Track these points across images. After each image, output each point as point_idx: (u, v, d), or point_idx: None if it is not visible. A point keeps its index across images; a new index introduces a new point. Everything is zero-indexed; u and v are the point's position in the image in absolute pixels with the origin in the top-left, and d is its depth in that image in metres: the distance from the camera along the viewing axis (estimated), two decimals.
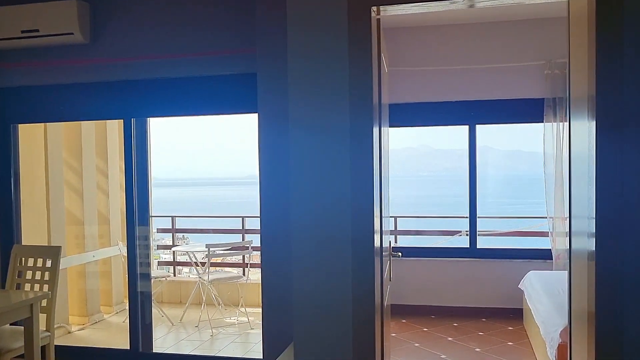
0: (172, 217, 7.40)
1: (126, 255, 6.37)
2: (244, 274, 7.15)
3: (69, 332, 5.79)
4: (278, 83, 3.96)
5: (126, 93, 4.58)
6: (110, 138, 6.56)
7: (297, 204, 2.55)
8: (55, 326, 5.63)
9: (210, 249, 5.70)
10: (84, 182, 6.13)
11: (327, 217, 2.52)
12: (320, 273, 2.60)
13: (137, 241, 4.75)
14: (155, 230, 7.56)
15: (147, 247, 4.91)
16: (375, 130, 2.67)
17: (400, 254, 3.54)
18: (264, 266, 4.07)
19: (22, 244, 4.98)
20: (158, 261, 7.73)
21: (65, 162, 5.97)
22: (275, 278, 4.03)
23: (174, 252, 7.16)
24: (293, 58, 2.63)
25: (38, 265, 4.02)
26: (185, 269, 7.86)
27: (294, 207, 2.58)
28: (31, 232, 5.26)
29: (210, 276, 5.79)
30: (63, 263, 5.68)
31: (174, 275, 7.40)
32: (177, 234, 7.72)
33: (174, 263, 7.40)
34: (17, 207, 4.96)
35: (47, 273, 3.97)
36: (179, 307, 6.84)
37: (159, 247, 7.91)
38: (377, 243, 2.63)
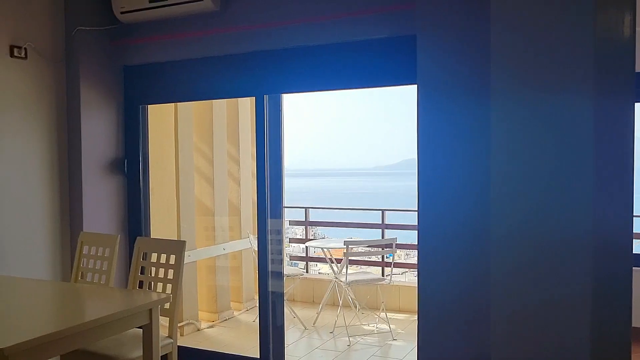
0: (305, 208, 6.83)
1: (257, 249, 5.89)
2: (382, 275, 6.41)
3: (198, 330, 5.41)
4: (444, 46, 3.14)
5: (258, 66, 3.99)
6: (242, 121, 6.10)
7: (501, 201, 1.70)
8: (184, 322, 5.29)
9: (349, 246, 4.99)
10: (215, 169, 5.71)
11: (553, 217, 1.64)
12: (538, 286, 1.74)
13: (269, 235, 4.15)
14: (287, 223, 7.04)
15: (280, 242, 4.31)
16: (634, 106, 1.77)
17: None
18: (422, 269, 3.29)
19: (151, 236, 4.61)
20: (290, 255, 7.21)
21: (196, 147, 5.58)
22: (436, 283, 3.24)
23: (306, 247, 6.59)
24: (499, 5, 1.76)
25: (162, 261, 3.54)
26: (318, 265, 7.29)
27: (497, 204, 1.72)
28: (160, 223, 4.90)
29: (348, 277, 5.09)
30: (193, 256, 5.31)
31: (306, 272, 6.83)
32: (308, 227, 7.15)
33: (307, 258, 6.82)
34: (146, 196, 4.59)
35: (170, 271, 3.48)
36: (311, 307, 6.25)
37: (291, 240, 7.40)
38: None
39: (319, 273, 7.02)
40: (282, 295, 4.37)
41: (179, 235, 5.17)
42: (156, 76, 4.42)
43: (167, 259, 3.53)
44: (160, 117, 5.00)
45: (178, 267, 3.45)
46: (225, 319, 5.78)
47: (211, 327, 5.57)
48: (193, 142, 5.41)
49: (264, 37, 3.89)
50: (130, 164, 4.54)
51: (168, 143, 5.09)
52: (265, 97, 4.03)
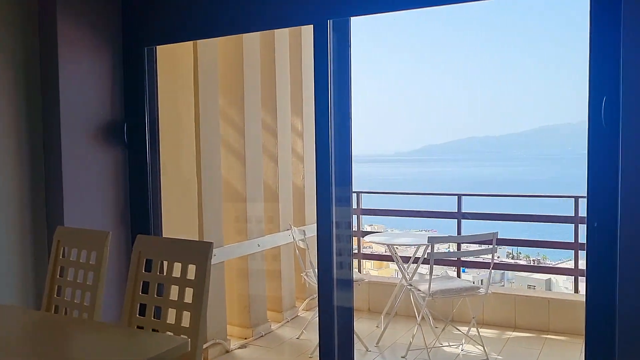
0: (357, 193, 5.47)
1: (300, 245, 4.60)
2: (458, 276, 5.06)
3: (227, 352, 4.12)
4: None
5: None
6: (280, 79, 4.76)
7: None
8: (209, 343, 4.02)
9: (435, 244, 3.63)
10: (247, 141, 4.38)
11: None
12: None
13: (335, 229, 2.83)
14: None
15: (349, 238, 2.98)
16: None
17: None
18: (622, 275, 1.97)
19: (162, 231, 3.32)
20: None
21: (223, 113, 4.26)
22: None
23: (359, 241, 5.25)
24: None
25: (175, 274, 2.24)
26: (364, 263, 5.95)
27: None
28: (175, 212, 3.60)
29: (432, 285, 3.73)
30: (220, 255, 4.02)
31: (359, 272, 5.51)
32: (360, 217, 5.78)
33: (359, 256, 5.49)
34: (156, 174, 3.30)
35: (189, 291, 2.17)
36: (369, 318, 4.93)
37: None
38: None
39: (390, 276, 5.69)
40: (350, 310, 3.07)
41: (200, 228, 3.88)
42: (168, 4, 3.10)
43: (184, 271, 2.22)
44: (174, 65, 3.67)
45: (201, 283, 2.13)
46: (260, 334, 4.49)
47: (244, 346, 4.28)
48: (219, 104, 4.08)
49: None
50: (133, 131, 3.25)
51: (185, 102, 3.77)
52: (329, 23, 2.67)
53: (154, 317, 2.27)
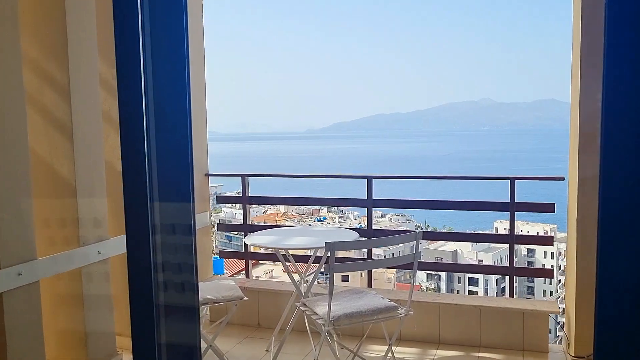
0: (241, 176, 4.28)
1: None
2: (369, 283, 4.07)
3: None
4: None
5: None
6: None
7: None
8: None
9: (334, 252, 2.54)
10: (75, 108, 3.07)
11: None
12: None
13: (156, 236, 1.68)
14: (214, 200, 4.49)
15: (190, 252, 1.81)
16: None
17: None
18: None
19: None
20: (218, 249, 4.69)
21: (28, 60, 2.93)
22: None
23: (245, 245, 4.08)
24: None
25: None
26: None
27: None
28: None
29: (334, 308, 2.64)
30: (29, 274, 2.74)
31: (247, 277, 4.35)
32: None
33: (247, 255, 4.31)
34: None
35: None
36: (259, 337, 3.82)
37: (221, 226, 4.85)
38: None
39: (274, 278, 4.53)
40: (194, 352, 1.91)
41: None
42: None
43: None
44: None
45: None
46: None
47: None
48: (20, 49, 2.73)
49: None
50: None
51: None
52: None
53: None
